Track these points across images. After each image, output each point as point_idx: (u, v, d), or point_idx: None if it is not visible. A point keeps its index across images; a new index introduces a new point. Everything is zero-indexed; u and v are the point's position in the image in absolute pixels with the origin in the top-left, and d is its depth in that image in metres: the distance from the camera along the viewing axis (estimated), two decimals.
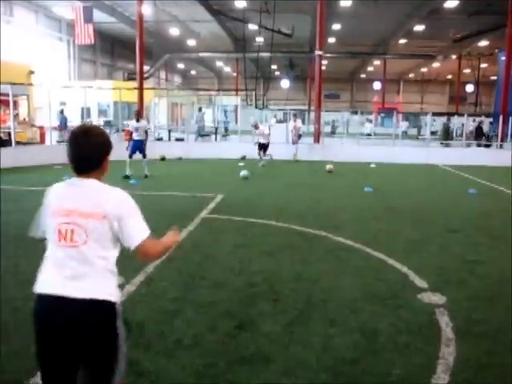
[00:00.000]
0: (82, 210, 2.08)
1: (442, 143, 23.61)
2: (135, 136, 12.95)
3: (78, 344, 2.06)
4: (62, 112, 22.02)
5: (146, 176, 12.89)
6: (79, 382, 2.15)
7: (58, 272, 2.10)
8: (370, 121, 31.26)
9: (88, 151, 2.12)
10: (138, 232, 2.13)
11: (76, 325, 2.03)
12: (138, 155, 13.00)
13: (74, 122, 25.96)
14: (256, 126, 17.60)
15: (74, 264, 2.08)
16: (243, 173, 13.19)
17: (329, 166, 15.50)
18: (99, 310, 2.07)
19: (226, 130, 29.78)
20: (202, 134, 23.09)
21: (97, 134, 2.17)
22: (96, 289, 2.08)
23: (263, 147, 16.92)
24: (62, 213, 2.10)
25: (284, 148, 19.11)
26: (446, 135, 24.44)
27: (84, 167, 2.14)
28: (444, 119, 24.75)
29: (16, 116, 19.14)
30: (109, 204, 2.09)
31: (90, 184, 2.14)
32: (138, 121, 12.99)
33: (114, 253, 2.17)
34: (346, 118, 33.05)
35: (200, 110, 25.15)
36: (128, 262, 5.03)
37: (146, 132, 13.44)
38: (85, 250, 2.08)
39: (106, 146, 2.18)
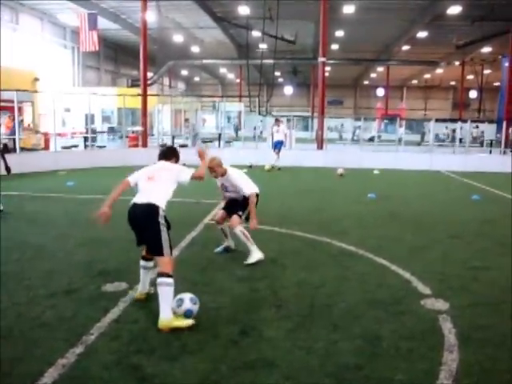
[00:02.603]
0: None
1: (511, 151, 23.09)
2: None
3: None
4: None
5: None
6: None
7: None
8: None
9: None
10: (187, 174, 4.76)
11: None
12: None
13: (78, 127, 26.32)
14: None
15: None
16: None
17: (340, 170, 16.41)
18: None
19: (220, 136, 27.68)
20: (194, 140, 23.10)
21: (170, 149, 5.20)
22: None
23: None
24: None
25: (286, 154, 18.98)
26: None
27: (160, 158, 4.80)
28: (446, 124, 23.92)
29: (21, 122, 19.26)
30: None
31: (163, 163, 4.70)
32: None
33: None
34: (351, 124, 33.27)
35: (186, 120, 24.91)
36: (133, 267, 5.06)
37: (6, 146, 9.25)
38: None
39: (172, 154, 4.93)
